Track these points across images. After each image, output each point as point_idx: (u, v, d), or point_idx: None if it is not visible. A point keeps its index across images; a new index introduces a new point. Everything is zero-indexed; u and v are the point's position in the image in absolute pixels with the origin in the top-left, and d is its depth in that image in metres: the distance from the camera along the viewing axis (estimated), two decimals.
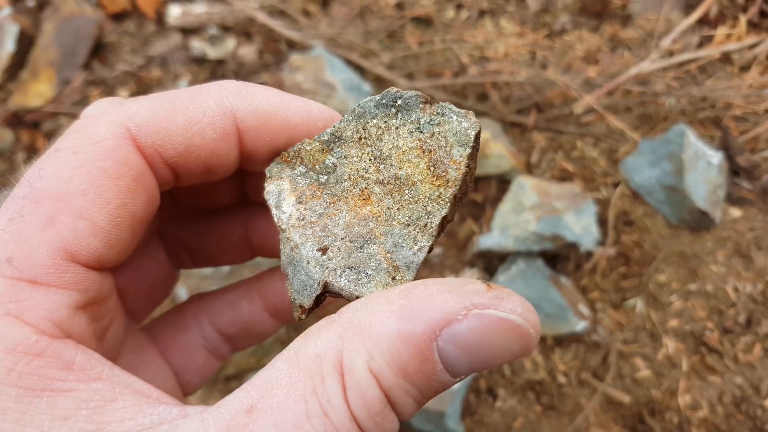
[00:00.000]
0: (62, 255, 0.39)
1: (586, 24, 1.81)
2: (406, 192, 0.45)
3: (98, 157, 0.40)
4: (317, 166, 0.47)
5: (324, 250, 0.45)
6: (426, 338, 0.34)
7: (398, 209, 0.45)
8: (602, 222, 1.38)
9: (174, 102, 0.44)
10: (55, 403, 0.36)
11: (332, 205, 0.46)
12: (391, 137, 0.45)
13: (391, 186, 0.45)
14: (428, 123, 0.45)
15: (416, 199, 0.45)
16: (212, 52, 1.92)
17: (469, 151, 0.44)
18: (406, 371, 0.34)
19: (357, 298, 0.44)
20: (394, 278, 0.44)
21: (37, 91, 2.05)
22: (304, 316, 0.46)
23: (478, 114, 1.45)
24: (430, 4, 1.79)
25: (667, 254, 1.35)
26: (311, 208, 0.47)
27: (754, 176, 1.41)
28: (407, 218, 0.45)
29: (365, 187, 0.46)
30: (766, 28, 1.72)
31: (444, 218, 0.44)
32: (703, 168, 1.35)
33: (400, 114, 0.45)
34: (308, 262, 0.45)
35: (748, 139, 1.46)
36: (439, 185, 0.44)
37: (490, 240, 1.30)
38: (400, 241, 0.44)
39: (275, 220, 0.46)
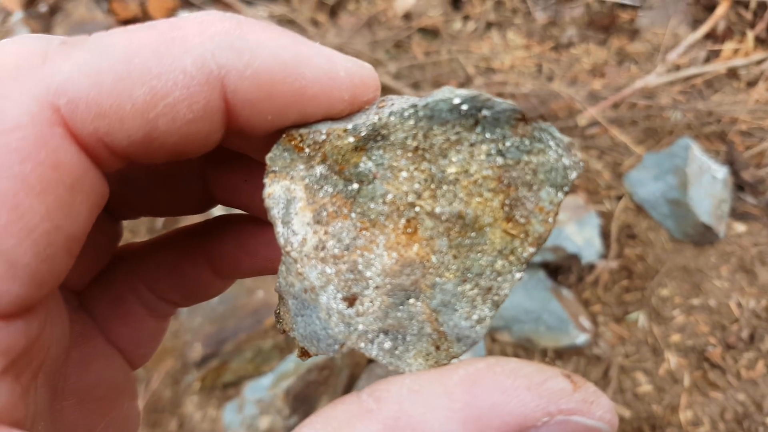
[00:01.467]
0: None
1: (593, 37, 1.81)
2: (469, 236, 0.32)
3: (11, 159, 0.26)
4: (346, 170, 0.33)
5: (351, 302, 0.33)
6: None
7: (455, 256, 0.32)
8: (605, 235, 1.37)
9: (130, 61, 0.28)
10: None
11: (364, 232, 0.33)
12: (462, 157, 0.32)
13: (449, 224, 0.32)
14: (516, 148, 0.31)
15: (481, 248, 0.32)
16: None
17: (562, 197, 0.31)
18: None
19: (393, 366, 0.32)
20: (438, 348, 0.32)
21: None
22: (305, 359, 0.34)
23: None
24: (437, 15, 1.80)
25: (670, 268, 1.34)
26: (335, 233, 0.33)
27: (759, 191, 1.41)
28: (465, 271, 0.32)
29: (412, 218, 0.33)
30: None
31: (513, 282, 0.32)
32: (708, 182, 1.34)
33: (480, 128, 0.31)
34: (329, 315, 0.33)
35: (754, 155, 1.45)
36: (514, 235, 0.32)
37: None
38: (452, 300, 0.32)
39: (280, 240, 0.33)
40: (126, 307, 0.43)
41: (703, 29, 1.73)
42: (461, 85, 1.55)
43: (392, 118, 0.32)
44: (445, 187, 0.32)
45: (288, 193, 0.33)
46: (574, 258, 1.25)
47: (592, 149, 1.48)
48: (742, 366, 1.26)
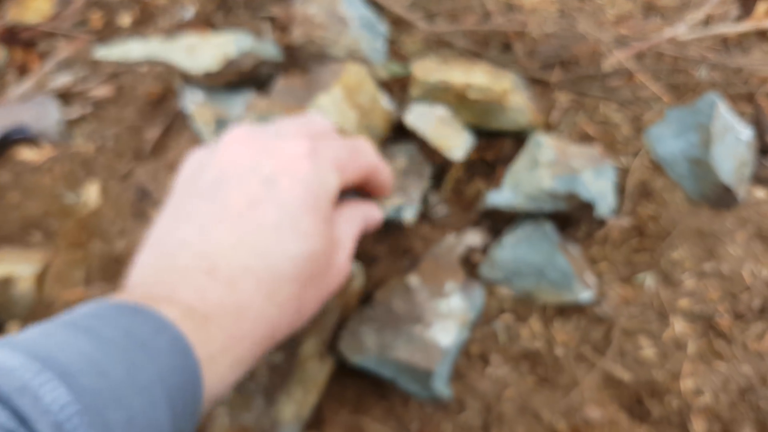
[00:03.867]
0: None
1: None
2: None
3: None
4: None
5: None
6: None
7: None
8: (619, 191, 1.29)
9: None
10: None
11: None
12: None
13: None
14: None
15: None
16: None
17: None
18: None
19: None
20: None
21: (36, 8, 1.95)
22: None
23: (501, 65, 1.36)
24: None
25: (684, 230, 1.27)
26: None
27: None
28: None
29: None
30: None
31: None
32: (732, 142, 1.27)
33: None
34: None
35: None
36: None
37: (499, 197, 1.22)
38: None
39: None
40: None
41: None
42: (480, 22, 1.46)
43: None
44: None
45: None
46: (587, 208, 1.17)
47: (612, 101, 1.39)
48: (750, 337, 1.20)
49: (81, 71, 1.89)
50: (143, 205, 1.49)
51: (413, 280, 1.20)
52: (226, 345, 0.54)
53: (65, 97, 1.80)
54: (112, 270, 1.41)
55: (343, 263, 0.78)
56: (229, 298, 0.55)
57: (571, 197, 1.17)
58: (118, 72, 1.61)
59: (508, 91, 1.25)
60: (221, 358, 0.53)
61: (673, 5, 1.66)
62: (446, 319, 1.13)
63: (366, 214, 0.89)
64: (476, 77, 1.26)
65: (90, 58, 1.82)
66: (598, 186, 1.20)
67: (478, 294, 1.21)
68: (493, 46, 1.47)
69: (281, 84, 1.33)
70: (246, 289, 0.56)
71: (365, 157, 0.82)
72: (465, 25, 1.49)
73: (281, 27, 1.81)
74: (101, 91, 1.60)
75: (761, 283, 1.23)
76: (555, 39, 1.43)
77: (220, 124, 1.35)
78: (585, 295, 1.18)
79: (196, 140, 1.43)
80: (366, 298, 1.23)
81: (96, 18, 1.95)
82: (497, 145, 1.37)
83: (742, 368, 1.20)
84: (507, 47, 1.46)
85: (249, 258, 0.59)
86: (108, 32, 2.04)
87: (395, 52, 1.52)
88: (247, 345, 0.56)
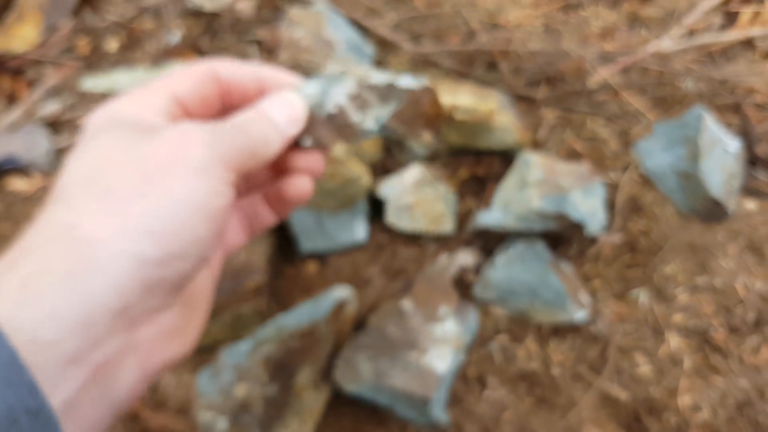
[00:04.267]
0: None
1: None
2: None
3: None
4: None
5: None
6: None
7: None
8: (609, 206, 1.29)
9: None
10: None
11: None
12: None
13: None
14: None
15: None
16: (208, 5, 1.82)
17: None
18: None
19: None
20: None
21: (22, 36, 1.94)
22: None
23: (487, 83, 1.36)
24: None
25: (675, 245, 1.27)
26: None
27: None
28: None
29: None
30: None
31: None
32: (720, 155, 1.27)
33: None
34: None
35: None
36: None
37: (489, 217, 1.22)
38: None
39: None
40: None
41: None
42: (465, 41, 1.46)
43: None
44: None
45: None
46: (577, 227, 1.17)
47: (599, 116, 1.39)
48: (746, 351, 1.20)
49: (69, 99, 1.88)
50: None
51: (407, 304, 1.19)
52: None
53: (54, 125, 1.80)
54: None
55: None
56: None
57: (561, 217, 1.17)
58: (106, 99, 1.60)
59: (494, 112, 1.25)
60: None
61: (657, 16, 1.66)
62: (441, 344, 1.13)
63: None
64: (462, 98, 1.26)
65: (78, 89, 1.82)
66: (588, 205, 1.20)
67: (473, 316, 1.20)
68: (478, 65, 1.47)
69: None
70: None
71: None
72: (450, 45, 1.49)
73: (268, 50, 1.81)
74: None
75: (755, 296, 1.23)
76: (540, 56, 1.43)
77: None
78: (579, 315, 1.18)
79: None
80: (360, 323, 1.23)
81: (83, 44, 1.95)
82: (487, 164, 1.37)
83: (739, 382, 1.20)
84: (492, 66, 1.46)
85: None
86: (95, 58, 2.03)
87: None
88: None
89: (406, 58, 1.44)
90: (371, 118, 0.46)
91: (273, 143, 0.43)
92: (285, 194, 0.50)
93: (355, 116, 0.46)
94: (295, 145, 0.48)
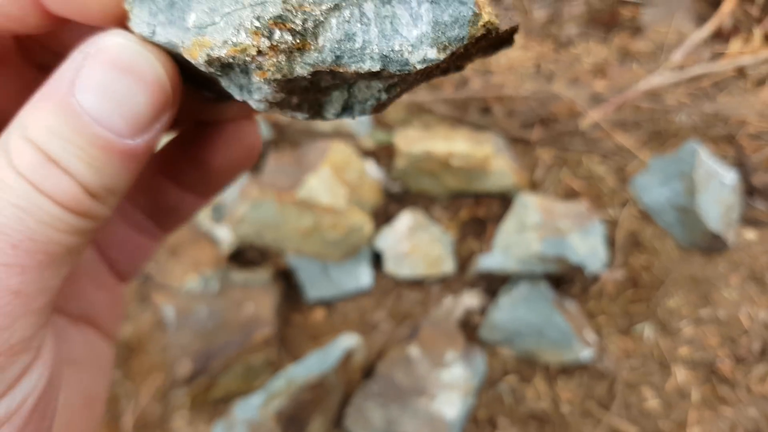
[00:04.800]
0: None
1: (594, 35, 1.75)
2: None
3: None
4: None
5: None
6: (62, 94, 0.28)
7: None
8: (610, 243, 1.31)
9: None
10: None
11: None
12: None
13: None
14: None
15: None
16: None
17: None
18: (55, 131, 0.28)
19: None
20: None
21: None
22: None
23: (482, 128, 1.39)
24: None
25: (678, 278, 1.29)
26: None
27: None
28: None
29: None
30: None
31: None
32: (716, 188, 1.29)
33: None
34: None
35: (764, 158, 1.40)
36: None
37: (491, 261, 1.24)
38: None
39: None
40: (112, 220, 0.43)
41: (708, 27, 1.67)
42: (458, 88, 1.50)
43: None
44: None
45: None
46: (578, 269, 1.19)
47: (594, 153, 1.42)
48: (753, 380, 1.20)
49: None
50: (146, 288, 1.52)
51: (413, 350, 1.21)
52: None
53: None
54: (122, 356, 1.43)
55: None
56: None
57: (561, 261, 1.19)
58: None
59: (489, 156, 1.28)
60: None
61: (647, 50, 1.70)
62: (450, 390, 1.14)
63: None
64: (458, 145, 1.29)
65: None
66: (587, 246, 1.22)
67: (480, 360, 1.22)
68: (472, 110, 1.51)
69: (272, 163, 1.36)
70: None
71: None
72: (444, 92, 1.53)
73: None
74: None
75: (759, 326, 1.24)
76: (532, 99, 1.47)
77: (217, 211, 1.38)
78: (585, 353, 1.19)
79: (192, 224, 1.46)
80: (368, 370, 1.25)
81: None
82: (486, 205, 1.39)
83: (748, 412, 1.20)
84: (486, 110, 1.50)
85: None
86: None
87: (379, 120, 1.56)
88: None
89: (402, 107, 1.48)
90: None
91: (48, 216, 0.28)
92: (216, 161, 0.39)
93: None
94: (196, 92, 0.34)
